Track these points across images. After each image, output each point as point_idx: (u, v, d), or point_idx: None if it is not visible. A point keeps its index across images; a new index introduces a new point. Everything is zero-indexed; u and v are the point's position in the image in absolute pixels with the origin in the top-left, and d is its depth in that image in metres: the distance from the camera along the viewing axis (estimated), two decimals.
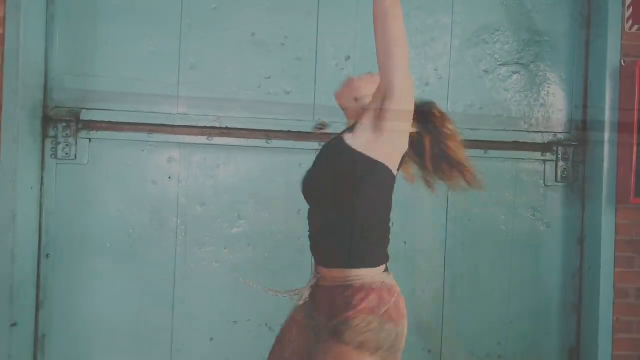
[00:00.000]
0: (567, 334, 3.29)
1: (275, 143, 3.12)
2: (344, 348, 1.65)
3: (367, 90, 1.86)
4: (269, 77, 3.18)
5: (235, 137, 3.08)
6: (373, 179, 1.75)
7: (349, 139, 1.74)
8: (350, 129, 1.82)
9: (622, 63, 3.04)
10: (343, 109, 2.03)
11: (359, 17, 3.20)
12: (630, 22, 3.03)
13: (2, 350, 2.83)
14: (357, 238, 1.74)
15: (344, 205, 1.75)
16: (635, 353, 3.06)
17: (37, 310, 3.05)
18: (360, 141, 1.74)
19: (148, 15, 3.11)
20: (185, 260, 3.07)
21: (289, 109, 3.19)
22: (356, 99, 1.91)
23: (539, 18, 3.29)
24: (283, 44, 3.18)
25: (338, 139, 1.80)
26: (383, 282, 1.76)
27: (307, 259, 3.00)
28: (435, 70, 3.24)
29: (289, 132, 3.14)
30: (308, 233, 1.95)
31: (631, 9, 3.02)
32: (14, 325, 2.86)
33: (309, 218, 1.91)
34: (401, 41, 1.70)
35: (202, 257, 3.10)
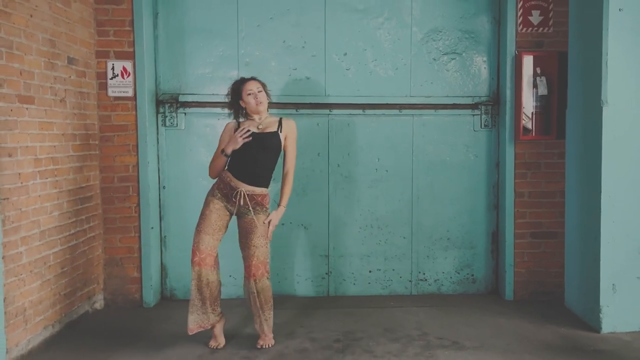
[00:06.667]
0: (490, 223, 4.98)
1: (302, 111, 4.82)
2: (261, 218, 3.74)
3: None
4: (296, 69, 4.86)
5: (276, 108, 4.70)
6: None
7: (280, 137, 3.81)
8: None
9: (516, 52, 4.65)
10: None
11: (350, 29, 4.82)
12: (521, 25, 4.64)
13: (146, 242, 4.64)
14: (270, 175, 3.81)
15: (272, 162, 3.80)
16: (528, 230, 4.76)
17: (160, 220, 4.85)
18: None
19: (217, 33, 4.78)
20: None
21: (309, 88, 4.87)
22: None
23: (467, 22, 4.86)
24: (303, 47, 4.85)
25: (275, 134, 3.79)
26: (267, 192, 3.82)
27: (320, 178, 4.74)
28: (402, 59, 4.89)
29: (310, 103, 4.83)
30: (242, 170, 3.74)
31: (521, 17, 4.64)
32: (152, 228, 4.67)
33: (247, 163, 3.74)
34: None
35: None
